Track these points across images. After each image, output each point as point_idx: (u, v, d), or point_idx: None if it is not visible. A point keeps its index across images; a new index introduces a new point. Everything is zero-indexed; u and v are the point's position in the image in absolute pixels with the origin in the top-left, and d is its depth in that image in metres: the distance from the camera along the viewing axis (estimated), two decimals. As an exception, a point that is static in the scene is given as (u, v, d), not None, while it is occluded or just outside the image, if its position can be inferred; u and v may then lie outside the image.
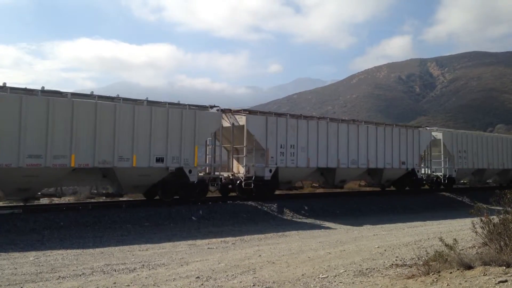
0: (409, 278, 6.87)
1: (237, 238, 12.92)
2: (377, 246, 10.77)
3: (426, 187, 28.41)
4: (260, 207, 18.16)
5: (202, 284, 7.24)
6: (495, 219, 7.78)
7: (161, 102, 16.90)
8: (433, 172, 28.08)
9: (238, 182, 19.72)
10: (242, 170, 19.84)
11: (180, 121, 16.59)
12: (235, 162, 20.43)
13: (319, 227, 15.60)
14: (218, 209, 17.00)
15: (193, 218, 15.87)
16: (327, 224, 16.46)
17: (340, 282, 7.10)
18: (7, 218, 13.46)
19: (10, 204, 16.31)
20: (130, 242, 11.95)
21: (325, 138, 21.27)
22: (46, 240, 11.88)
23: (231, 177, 19.90)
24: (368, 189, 27.45)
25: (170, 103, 17.08)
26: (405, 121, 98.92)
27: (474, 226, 7.90)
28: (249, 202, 18.57)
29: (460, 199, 26.41)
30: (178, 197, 17.63)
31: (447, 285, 6.14)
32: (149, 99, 16.71)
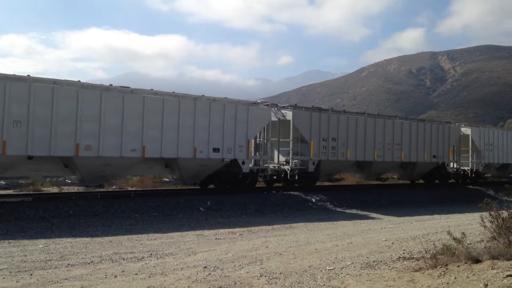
0: (416, 271, 6.86)
1: (245, 229, 12.97)
2: (384, 239, 10.75)
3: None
4: (268, 198, 18.20)
5: (209, 273, 7.28)
6: (504, 213, 7.73)
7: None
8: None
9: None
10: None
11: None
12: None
13: (327, 219, 15.60)
14: (226, 200, 17.05)
15: (201, 208, 15.94)
16: (334, 216, 16.46)
17: (347, 274, 7.10)
18: (17, 205, 13.61)
19: (20, 192, 16.48)
20: (138, 231, 12.04)
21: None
22: (56, 228, 12.01)
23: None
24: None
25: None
26: (415, 115, 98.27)
27: (482, 220, 7.86)
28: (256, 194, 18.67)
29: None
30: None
31: (455, 278, 6.13)
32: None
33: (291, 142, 20.43)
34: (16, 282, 6.81)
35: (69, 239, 10.63)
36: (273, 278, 6.98)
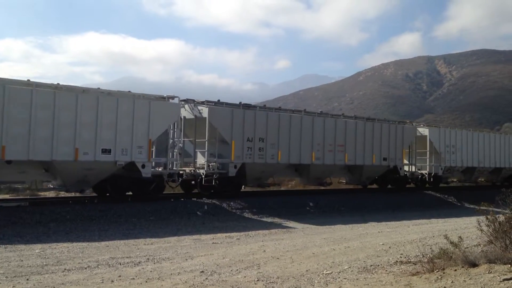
0: (413, 275, 6.87)
1: (242, 233, 12.95)
2: (381, 243, 10.76)
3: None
4: (265, 203, 18.18)
5: (206, 278, 7.27)
6: (501, 217, 7.76)
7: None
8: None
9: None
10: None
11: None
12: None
13: (324, 223, 15.59)
14: (223, 204, 17.02)
15: (198, 213, 15.92)
16: (332, 220, 16.45)
17: (345, 278, 7.10)
18: (14, 210, 13.57)
19: (16, 197, 16.43)
20: (135, 236, 12.01)
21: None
22: (52, 233, 11.96)
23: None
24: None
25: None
26: (411, 119, 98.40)
27: (479, 224, 7.89)
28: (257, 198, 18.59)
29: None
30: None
31: (452, 282, 6.13)
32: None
33: (206, 142, 17.94)
34: (13, 287, 6.79)
35: (65, 244, 10.59)
36: (270, 282, 6.97)
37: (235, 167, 18.22)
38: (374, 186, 26.18)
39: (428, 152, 26.27)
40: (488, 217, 7.77)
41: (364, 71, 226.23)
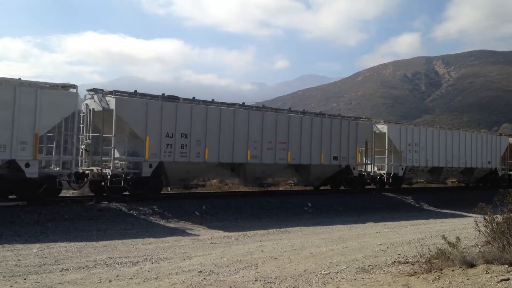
0: (411, 275, 6.87)
1: (240, 233, 12.96)
2: (379, 244, 10.76)
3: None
4: (263, 203, 18.19)
5: (204, 278, 7.27)
6: (498, 218, 7.77)
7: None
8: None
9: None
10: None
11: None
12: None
13: (322, 223, 15.60)
14: (221, 205, 17.02)
15: (196, 213, 15.91)
16: (330, 220, 16.46)
17: (342, 279, 7.11)
18: (12, 210, 13.54)
19: (15, 196, 16.37)
20: (133, 236, 12.02)
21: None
22: (50, 233, 11.96)
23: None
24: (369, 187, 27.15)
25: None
26: (410, 119, 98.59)
27: (477, 224, 7.90)
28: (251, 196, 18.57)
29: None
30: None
31: (449, 283, 6.14)
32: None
33: (113, 138, 15.82)
34: (10, 286, 6.78)
35: (63, 244, 10.59)
36: (268, 282, 6.97)
37: (151, 166, 16.25)
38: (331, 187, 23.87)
39: (386, 151, 24.24)
40: (486, 217, 7.79)
41: (363, 72, 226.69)
